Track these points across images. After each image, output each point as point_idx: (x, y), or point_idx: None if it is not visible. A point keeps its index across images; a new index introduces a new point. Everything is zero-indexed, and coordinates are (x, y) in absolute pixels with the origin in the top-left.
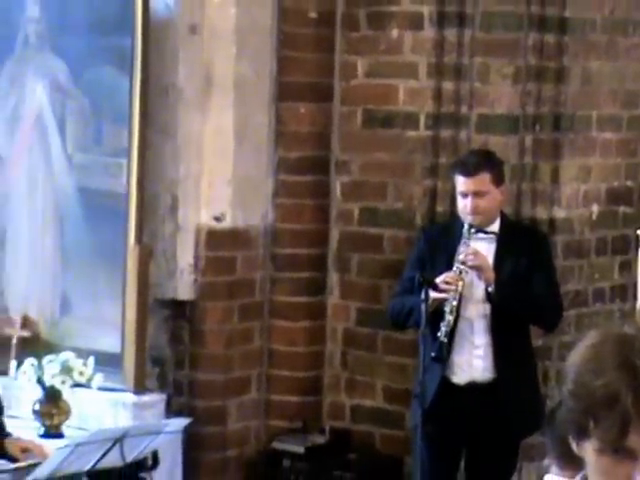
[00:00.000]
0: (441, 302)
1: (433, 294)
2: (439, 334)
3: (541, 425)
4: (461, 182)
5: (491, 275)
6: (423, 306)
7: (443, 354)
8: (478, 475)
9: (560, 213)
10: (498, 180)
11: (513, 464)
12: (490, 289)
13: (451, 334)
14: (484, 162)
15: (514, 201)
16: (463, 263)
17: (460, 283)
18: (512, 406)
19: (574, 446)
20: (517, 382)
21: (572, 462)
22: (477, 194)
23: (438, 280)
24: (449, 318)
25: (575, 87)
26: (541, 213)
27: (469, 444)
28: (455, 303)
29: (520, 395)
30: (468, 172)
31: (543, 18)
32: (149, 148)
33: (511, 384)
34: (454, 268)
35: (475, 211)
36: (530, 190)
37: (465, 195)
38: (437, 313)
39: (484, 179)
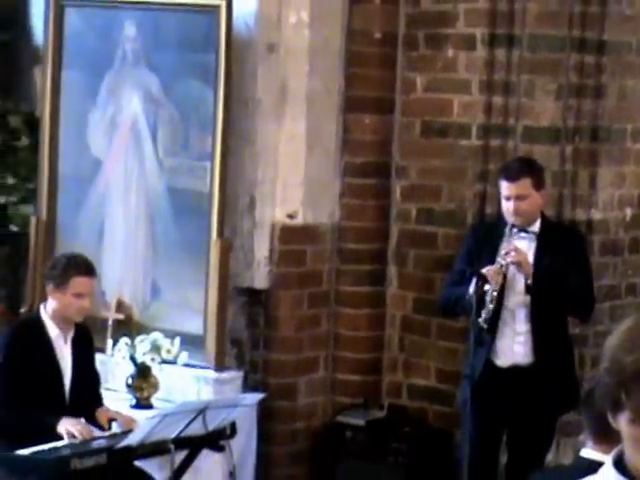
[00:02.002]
0: (483, 292)
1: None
2: (479, 320)
3: (575, 404)
4: (505, 186)
5: (529, 270)
6: (474, 297)
7: (483, 338)
8: (517, 449)
9: (597, 215)
10: (538, 185)
11: (550, 439)
12: (529, 282)
13: (495, 322)
14: (526, 168)
15: (556, 204)
16: (505, 259)
17: (501, 276)
18: (549, 387)
19: (611, 419)
20: (554, 365)
21: (608, 438)
22: (519, 197)
23: (482, 272)
24: (489, 307)
25: (612, 102)
26: (580, 215)
27: (510, 421)
28: (495, 294)
29: (557, 377)
30: (511, 177)
31: (583, 41)
32: (230, 153)
33: (549, 367)
34: (496, 262)
35: (517, 213)
36: (570, 195)
37: (508, 198)
38: (482, 303)
39: (525, 184)
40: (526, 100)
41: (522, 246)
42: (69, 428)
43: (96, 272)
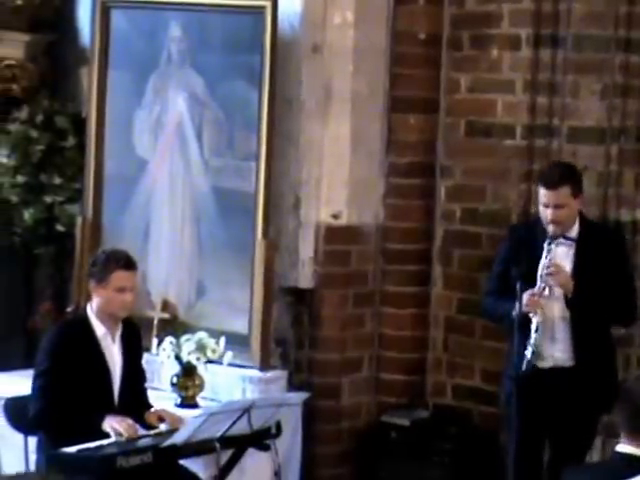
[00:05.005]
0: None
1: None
2: (526, 352)
3: (614, 405)
4: (543, 194)
5: (570, 288)
6: (517, 303)
7: (529, 368)
8: (559, 448)
9: None
10: (577, 192)
11: (590, 439)
12: (569, 296)
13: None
14: (566, 176)
15: (601, 204)
16: (546, 280)
17: (544, 300)
18: (589, 387)
19: None
20: (595, 366)
21: None
22: (557, 206)
23: (525, 297)
24: (535, 336)
25: None
26: (625, 216)
27: (553, 421)
28: (540, 320)
29: (597, 377)
30: (551, 185)
31: (629, 41)
32: (275, 153)
33: (589, 368)
34: (538, 284)
35: (555, 221)
36: (615, 195)
37: (547, 205)
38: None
39: (565, 192)
40: (571, 100)
41: (561, 252)
42: (114, 425)
43: (136, 266)
